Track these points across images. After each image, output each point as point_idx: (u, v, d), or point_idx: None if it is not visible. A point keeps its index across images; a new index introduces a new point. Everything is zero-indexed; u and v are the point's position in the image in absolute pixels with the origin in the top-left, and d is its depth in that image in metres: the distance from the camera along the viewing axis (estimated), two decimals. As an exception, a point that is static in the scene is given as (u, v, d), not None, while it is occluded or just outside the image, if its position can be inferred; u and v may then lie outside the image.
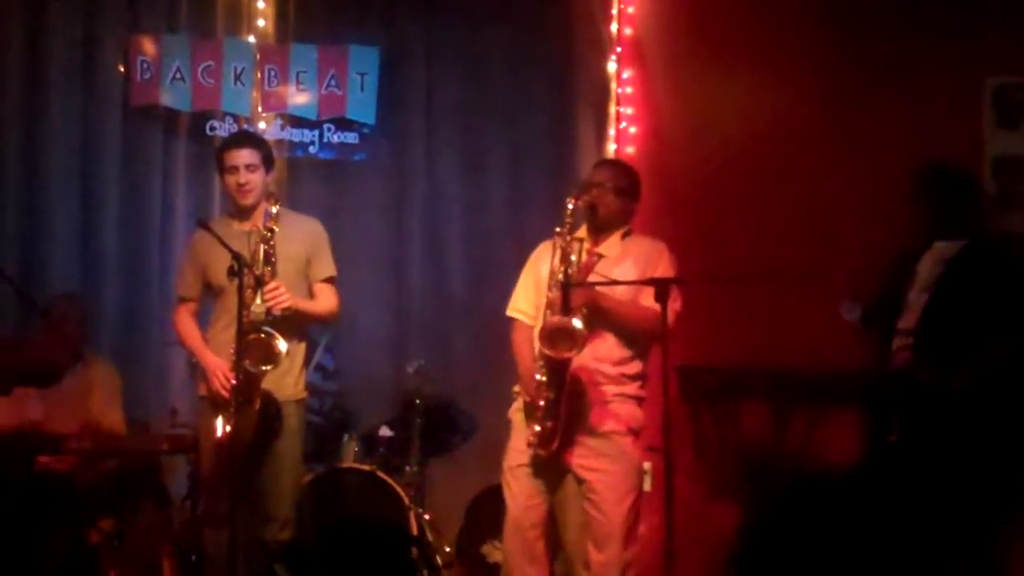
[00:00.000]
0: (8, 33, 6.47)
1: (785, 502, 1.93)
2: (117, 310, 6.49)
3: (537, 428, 4.48)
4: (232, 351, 4.64)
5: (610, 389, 4.56)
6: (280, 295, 4.65)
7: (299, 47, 6.73)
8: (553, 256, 4.49)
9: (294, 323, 4.78)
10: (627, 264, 4.60)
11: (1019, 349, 4.66)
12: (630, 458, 4.58)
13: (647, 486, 5.17)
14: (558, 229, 4.50)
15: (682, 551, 4.41)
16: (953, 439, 4.60)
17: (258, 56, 6.67)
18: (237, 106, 6.67)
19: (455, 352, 6.61)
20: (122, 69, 6.62)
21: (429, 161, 6.92)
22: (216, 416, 4.69)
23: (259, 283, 4.64)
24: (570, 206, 4.49)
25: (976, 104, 5.39)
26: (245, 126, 6.54)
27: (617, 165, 4.97)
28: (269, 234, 4.70)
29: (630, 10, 6.40)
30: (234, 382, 4.61)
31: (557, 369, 4.43)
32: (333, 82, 6.78)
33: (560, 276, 4.44)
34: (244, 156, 4.86)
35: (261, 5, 6.65)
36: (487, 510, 5.55)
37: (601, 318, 4.48)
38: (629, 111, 6.38)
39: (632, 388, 4.60)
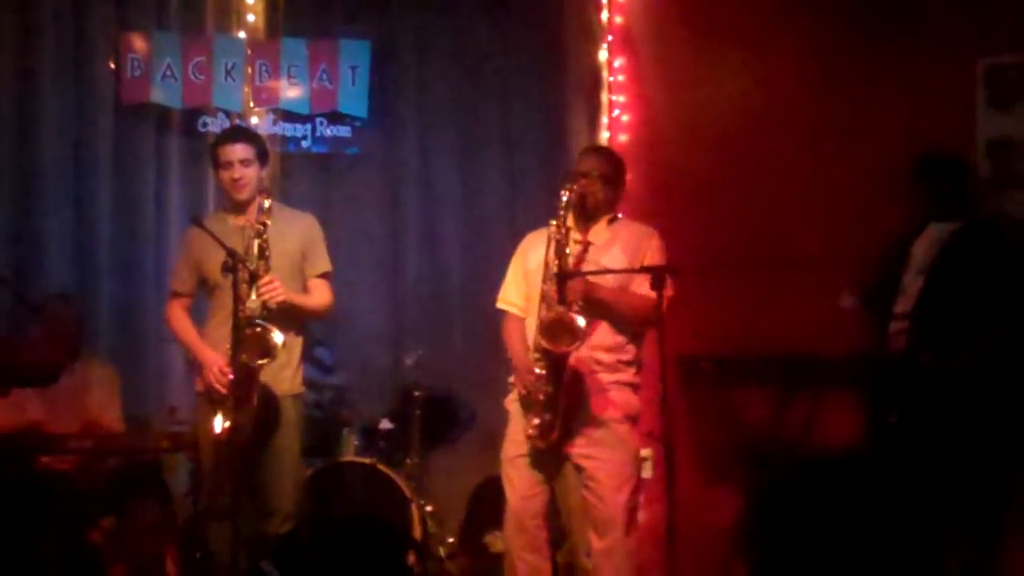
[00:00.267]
0: (-1, 34, 6.46)
1: (787, 486, 1.94)
2: (113, 308, 6.48)
3: (536, 420, 4.47)
4: (228, 346, 4.63)
5: (606, 377, 4.55)
6: (274, 289, 4.64)
7: (289, 42, 6.74)
8: (548, 249, 4.48)
9: (290, 317, 4.77)
10: (616, 250, 4.60)
11: (1016, 330, 4.67)
12: (628, 445, 4.58)
13: (648, 473, 5.18)
14: (553, 222, 4.49)
15: (684, 538, 4.41)
16: (952, 421, 4.60)
17: (248, 51, 6.67)
18: (229, 102, 6.67)
19: (453, 343, 6.63)
20: (113, 67, 6.60)
21: (422, 153, 6.93)
22: (214, 412, 4.68)
23: (254, 278, 4.63)
24: (564, 198, 4.48)
25: (968, 85, 5.38)
26: (237, 122, 6.53)
27: (602, 152, 4.96)
28: (262, 228, 4.69)
29: (620, -1, 6.39)
30: (231, 377, 4.61)
31: (556, 363, 4.43)
32: (324, 76, 6.78)
33: (555, 269, 4.43)
34: (238, 151, 4.85)
35: (250, 1, 6.64)
36: (489, 500, 5.55)
37: (596, 308, 4.48)
38: (621, 99, 6.37)
39: (628, 375, 4.60)
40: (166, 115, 6.70)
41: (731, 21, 5.92)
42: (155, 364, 6.42)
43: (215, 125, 6.61)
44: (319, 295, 4.95)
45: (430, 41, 6.92)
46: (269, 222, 4.70)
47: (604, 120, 6.40)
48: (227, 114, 6.66)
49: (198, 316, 5.00)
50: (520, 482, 4.59)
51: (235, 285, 4.59)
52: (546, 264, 4.48)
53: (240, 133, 5.07)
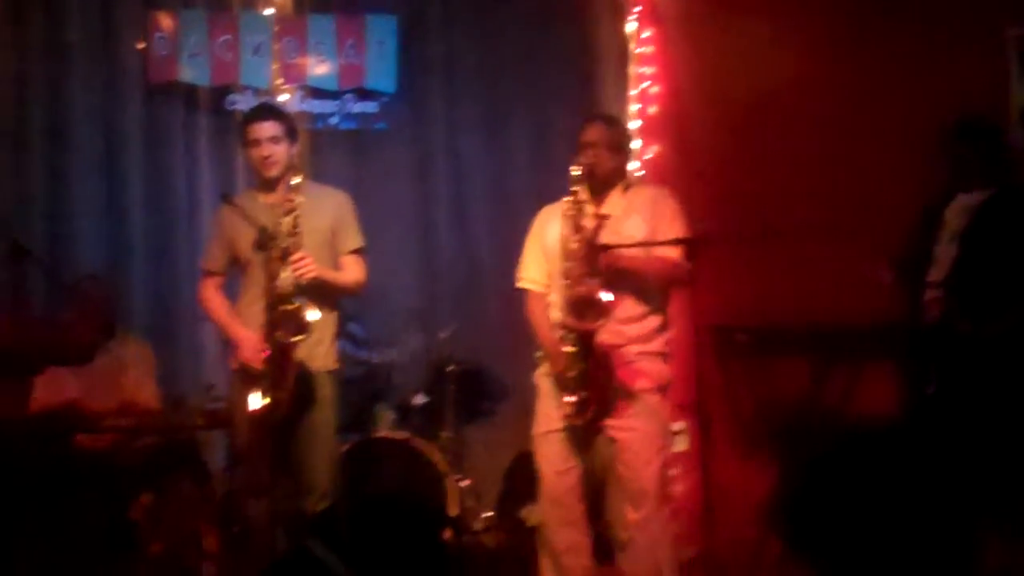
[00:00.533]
0: (28, 14, 6.45)
1: (824, 459, 1.93)
2: (147, 287, 6.52)
3: (571, 399, 4.47)
4: (262, 324, 4.63)
5: (633, 348, 4.55)
6: (306, 266, 4.64)
7: (316, 18, 6.73)
8: (564, 225, 4.47)
9: (322, 294, 4.76)
10: (635, 218, 4.58)
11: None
12: (659, 415, 4.58)
13: (683, 446, 5.17)
14: (567, 199, 4.48)
15: (719, 511, 4.41)
16: (991, 388, 4.57)
17: (275, 28, 6.64)
18: (256, 79, 6.67)
19: (486, 317, 6.61)
20: (141, 46, 6.60)
21: (451, 127, 6.92)
22: (249, 389, 4.69)
23: (285, 255, 4.63)
24: (575, 173, 4.46)
25: (1000, 54, 5.33)
26: (265, 99, 6.52)
27: (605, 120, 4.90)
28: (293, 205, 4.69)
29: (648, -30, 6.34)
30: (266, 354, 4.62)
31: (584, 340, 4.42)
32: (352, 52, 6.77)
33: (574, 245, 4.42)
34: (267, 129, 4.84)
35: (275, -23, 6.63)
36: (525, 473, 5.52)
37: (622, 279, 4.46)
38: (649, 71, 6.33)
39: (656, 344, 4.59)
40: (194, 93, 6.70)
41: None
42: (191, 342, 6.44)
43: (243, 103, 6.60)
44: (351, 271, 4.94)
45: (457, 15, 6.89)
46: (299, 199, 4.70)
47: (633, 92, 6.35)
48: (255, 92, 6.65)
49: (231, 294, 5.01)
50: (553, 457, 4.59)
51: (267, 262, 4.59)
52: (563, 241, 4.46)
53: (268, 111, 5.06)
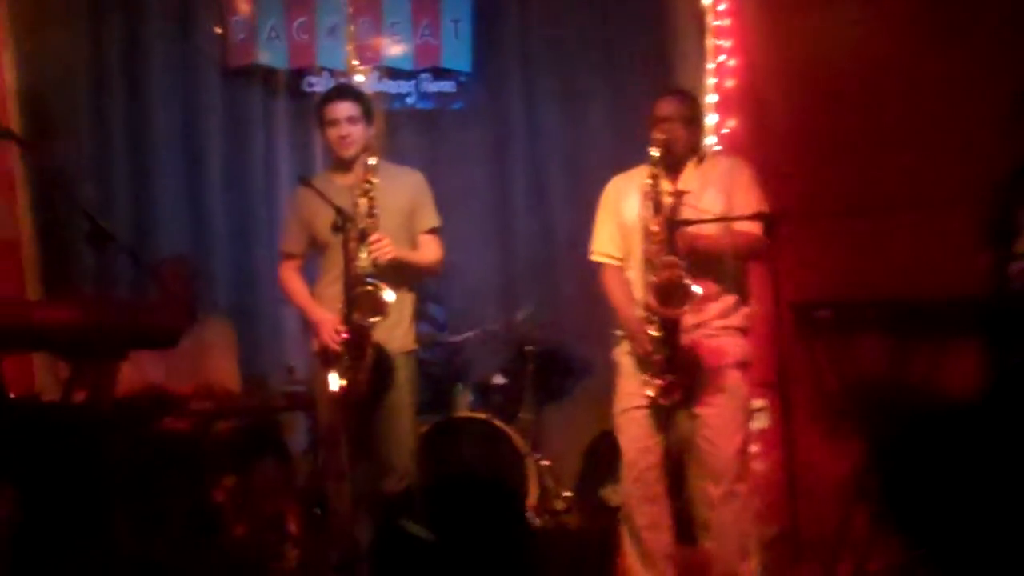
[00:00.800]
0: (104, 3, 6.53)
1: (909, 434, 1.90)
2: (228, 270, 6.60)
3: (658, 381, 4.45)
4: (341, 305, 4.66)
5: (713, 324, 4.52)
6: (384, 246, 4.65)
7: (391, -2, 6.74)
8: (644, 206, 4.43)
9: (400, 274, 4.78)
10: (711, 192, 4.53)
11: None
12: (740, 391, 4.54)
13: (764, 423, 5.13)
14: (648, 180, 4.44)
15: (803, 487, 4.37)
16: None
17: (351, 9, 6.67)
18: (333, 60, 6.70)
19: (564, 296, 6.59)
20: (218, 31, 6.66)
21: (528, 105, 6.90)
22: (329, 371, 4.72)
23: (363, 236, 4.64)
24: (655, 153, 4.42)
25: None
26: (342, 80, 6.54)
27: (679, 94, 4.84)
28: (369, 186, 4.70)
29: (724, -60, 6.26)
30: (345, 336, 4.64)
31: (670, 325, 4.39)
32: (427, 31, 6.77)
33: (655, 228, 4.38)
34: (345, 109, 4.85)
35: (352, -43, 6.65)
36: (604, 453, 5.54)
37: (702, 259, 4.42)
38: (727, 44, 6.25)
39: (735, 319, 4.56)
40: (272, 76, 6.76)
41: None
42: (271, 325, 6.51)
43: (320, 85, 6.65)
44: (428, 251, 4.95)
45: (532, -9, 6.88)
46: (376, 179, 4.71)
47: (710, 65, 6.28)
48: (332, 73, 6.69)
49: (309, 275, 5.04)
50: (635, 433, 4.57)
51: (345, 244, 4.61)
52: (644, 224, 4.42)
53: (346, 91, 5.08)
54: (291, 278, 5.00)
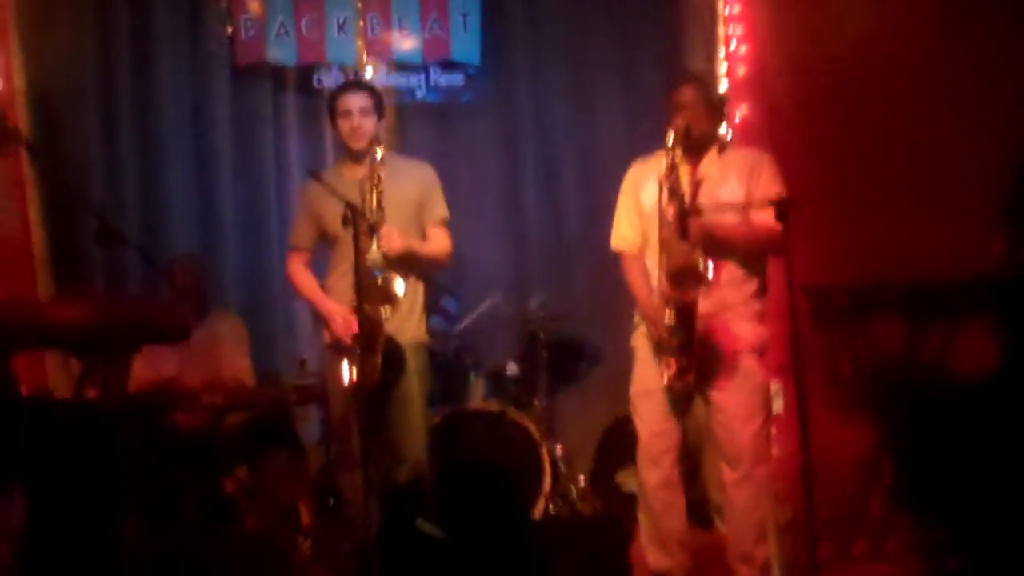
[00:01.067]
0: (112, 2, 6.55)
1: (925, 416, 1.88)
2: (239, 265, 6.61)
3: (672, 364, 4.43)
4: (351, 297, 4.66)
5: (732, 310, 4.49)
6: (394, 239, 4.65)
7: (399, -8, 6.73)
8: (660, 194, 4.41)
9: (410, 266, 4.78)
10: (732, 182, 4.50)
11: None
12: (757, 376, 4.52)
13: (779, 407, 5.10)
14: (660, 156, 4.42)
15: (819, 471, 4.34)
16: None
17: (359, 4, 6.68)
18: (342, 56, 6.72)
19: (576, 284, 6.60)
20: (228, 29, 6.67)
21: (537, 97, 6.90)
22: (341, 362, 4.72)
23: (373, 229, 4.64)
24: (671, 138, 4.39)
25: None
26: (352, 75, 6.55)
27: (699, 80, 4.81)
28: (378, 179, 4.70)
29: (733, -72, 6.24)
30: (356, 328, 4.64)
31: (685, 309, 4.36)
32: (436, 25, 6.77)
33: (670, 214, 4.36)
34: (357, 100, 4.86)
35: (359, -47, 6.65)
36: (620, 440, 5.53)
37: (718, 247, 4.39)
38: (738, 31, 6.22)
39: (754, 306, 4.53)
40: (281, 73, 6.78)
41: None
42: (283, 319, 6.53)
43: (330, 80, 6.66)
44: (438, 242, 4.94)
45: (540, -16, 6.87)
46: (384, 173, 4.71)
47: (721, 54, 6.26)
48: (341, 68, 6.69)
49: (319, 270, 5.03)
50: (651, 419, 4.56)
51: (355, 237, 4.61)
52: (660, 210, 4.40)
53: (359, 83, 5.10)
54: (300, 271, 5.00)
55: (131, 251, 5.51)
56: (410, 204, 4.87)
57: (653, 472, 4.54)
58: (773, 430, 4.72)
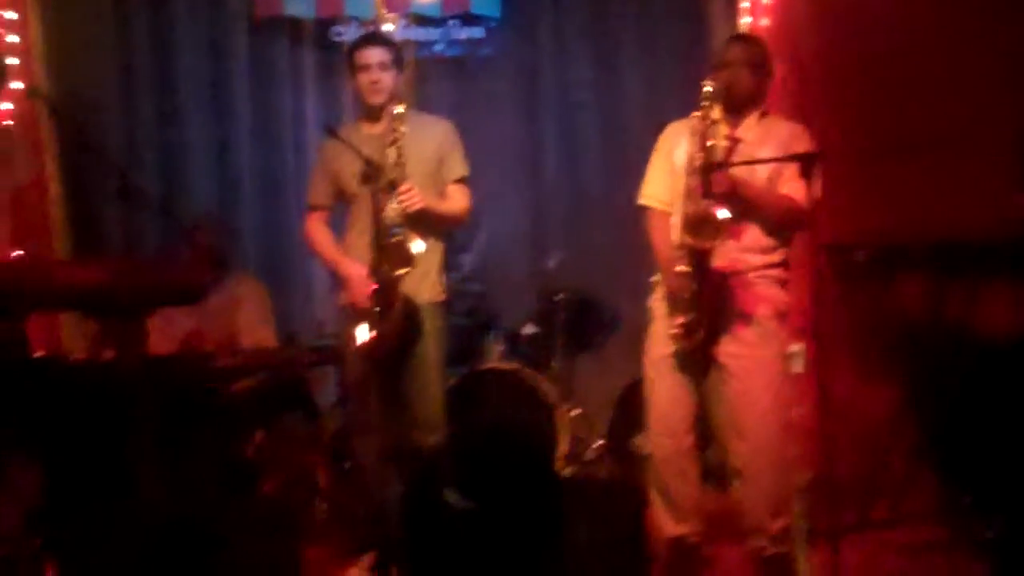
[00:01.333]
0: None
1: (948, 377, 1.84)
2: (257, 223, 6.61)
3: (681, 319, 4.37)
4: (369, 257, 4.62)
5: (754, 273, 4.42)
6: (413, 197, 4.60)
7: (419, -57, 6.67)
8: (692, 143, 4.34)
9: (428, 224, 4.72)
10: (767, 150, 4.42)
11: None
12: (776, 341, 4.44)
13: (799, 367, 5.04)
14: (696, 114, 4.34)
15: (839, 432, 4.31)
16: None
17: (377, -45, 6.60)
18: (360, 9, 6.66)
19: (595, 244, 6.55)
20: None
21: (558, 52, 6.84)
22: (358, 323, 4.69)
23: (392, 187, 4.59)
24: (706, 89, 4.32)
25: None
26: (370, 29, 6.48)
27: (748, 40, 4.75)
28: (398, 136, 4.64)
29: None
30: (374, 287, 4.61)
31: (700, 259, 4.30)
32: (455, -23, 6.70)
33: (698, 163, 4.29)
34: (376, 54, 4.79)
35: (378, -97, 6.56)
36: (636, 402, 5.45)
37: (742, 207, 4.32)
38: (762, -16, 6.13)
39: (777, 271, 4.46)
40: (299, 27, 6.73)
41: None
42: (301, 279, 6.52)
43: (348, 34, 6.61)
44: (456, 200, 4.89)
45: (561, -65, 6.78)
46: (404, 128, 4.65)
47: (744, 4, 6.16)
48: (359, 22, 6.62)
49: (336, 228, 4.99)
50: (665, 384, 4.49)
51: (374, 195, 4.56)
52: (690, 158, 4.34)
53: (378, 37, 5.01)
54: (317, 230, 4.95)
55: (150, 209, 5.51)
56: (429, 161, 4.81)
57: (665, 439, 4.48)
58: (793, 392, 4.66)
